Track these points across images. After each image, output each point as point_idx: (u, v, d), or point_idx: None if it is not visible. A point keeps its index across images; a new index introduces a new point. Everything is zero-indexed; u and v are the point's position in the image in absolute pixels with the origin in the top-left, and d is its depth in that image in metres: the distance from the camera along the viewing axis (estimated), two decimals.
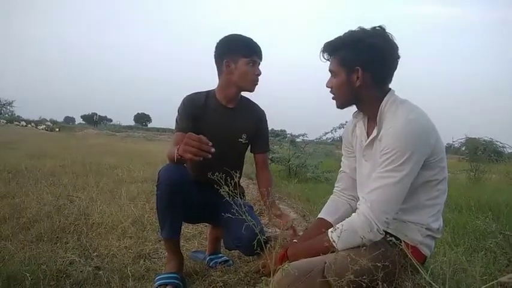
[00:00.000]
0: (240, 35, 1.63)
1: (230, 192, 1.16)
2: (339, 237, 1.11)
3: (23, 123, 25.79)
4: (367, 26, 1.23)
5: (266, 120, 1.79)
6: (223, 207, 1.36)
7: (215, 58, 1.65)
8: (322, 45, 1.27)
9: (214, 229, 1.87)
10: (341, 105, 1.30)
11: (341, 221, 1.18)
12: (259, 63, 1.63)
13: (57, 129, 24.16)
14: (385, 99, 1.21)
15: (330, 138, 6.24)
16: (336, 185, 1.49)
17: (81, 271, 1.62)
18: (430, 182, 1.18)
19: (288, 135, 6.95)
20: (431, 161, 1.15)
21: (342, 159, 1.47)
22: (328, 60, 1.28)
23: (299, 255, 1.18)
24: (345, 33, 1.23)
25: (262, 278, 1.37)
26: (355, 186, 1.39)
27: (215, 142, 1.27)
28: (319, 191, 4.17)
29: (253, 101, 1.78)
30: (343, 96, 1.27)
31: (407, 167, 1.09)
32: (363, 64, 1.19)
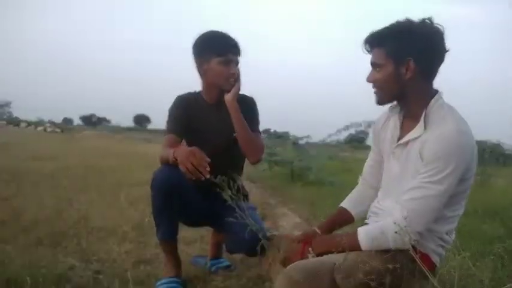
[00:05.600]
0: (214, 32, 1.54)
1: (232, 195, 1.14)
2: (370, 239, 1.10)
3: (24, 124, 25.94)
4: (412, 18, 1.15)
5: (253, 107, 1.66)
6: (224, 210, 1.34)
7: (193, 59, 1.57)
8: (366, 36, 1.18)
9: (216, 233, 1.84)
10: (383, 101, 1.21)
11: (362, 213, 1.29)
12: (236, 61, 1.53)
13: (59, 130, 24.30)
14: (435, 98, 1.14)
15: (334, 141, 6.19)
16: (362, 176, 1.42)
17: (81, 276, 1.61)
18: (456, 195, 1.14)
19: (291, 137, 6.90)
20: (465, 176, 1.11)
21: (370, 152, 1.40)
22: (369, 52, 1.19)
23: (324, 248, 1.16)
24: (392, 24, 1.14)
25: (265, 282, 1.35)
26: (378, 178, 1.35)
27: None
28: (323, 194, 4.13)
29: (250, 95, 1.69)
30: (390, 90, 1.17)
31: (448, 180, 1.06)
32: (415, 55, 1.10)
